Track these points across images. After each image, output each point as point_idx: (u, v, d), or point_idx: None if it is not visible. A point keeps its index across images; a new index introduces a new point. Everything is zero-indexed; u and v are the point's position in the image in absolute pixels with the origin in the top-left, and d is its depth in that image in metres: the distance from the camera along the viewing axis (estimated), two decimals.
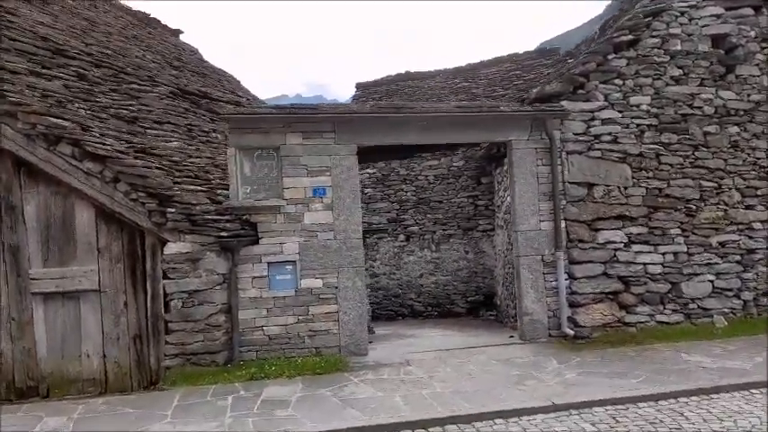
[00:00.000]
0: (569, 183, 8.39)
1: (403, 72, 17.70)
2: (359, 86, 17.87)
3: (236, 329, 7.26)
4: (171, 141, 8.82)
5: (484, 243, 13.49)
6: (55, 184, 7.02)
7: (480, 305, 13.42)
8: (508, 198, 9.90)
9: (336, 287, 7.63)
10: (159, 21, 15.51)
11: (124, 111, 8.59)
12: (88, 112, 7.79)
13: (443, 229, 13.84)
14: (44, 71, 8.00)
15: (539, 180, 8.30)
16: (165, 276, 6.98)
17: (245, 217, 7.50)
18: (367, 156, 14.88)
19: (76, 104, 7.74)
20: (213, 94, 11.93)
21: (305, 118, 7.50)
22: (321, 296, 7.58)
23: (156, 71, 10.95)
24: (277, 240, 7.51)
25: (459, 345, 8.36)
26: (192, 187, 7.57)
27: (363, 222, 11.04)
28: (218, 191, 7.89)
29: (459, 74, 16.69)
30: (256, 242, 7.47)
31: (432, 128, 7.94)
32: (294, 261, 7.53)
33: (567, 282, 8.27)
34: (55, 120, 6.71)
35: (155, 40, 13.53)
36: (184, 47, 15.15)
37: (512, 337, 8.68)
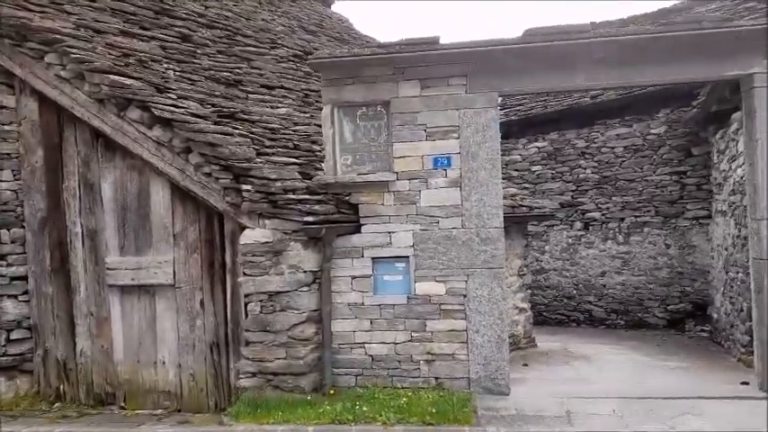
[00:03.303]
0: None
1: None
2: (528, 34, 15.01)
3: (329, 345, 5.50)
4: (278, 107, 7.37)
5: (694, 235, 10.07)
6: (130, 156, 5.93)
7: (687, 316, 10.10)
8: (738, 171, 6.68)
9: (465, 295, 5.43)
10: None
11: (226, 73, 7.32)
12: (177, 73, 6.61)
13: (635, 216, 10.71)
14: (141, 32, 7.02)
15: None
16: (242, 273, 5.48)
17: (345, 197, 5.68)
18: (534, 126, 12.27)
19: (165, 65, 6.61)
20: None
21: (423, 58, 5.37)
22: (443, 307, 5.46)
23: (281, 34, 9.69)
24: (384, 228, 5.55)
25: (655, 390, 5.59)
26: (284, 159, 5.96)
27: (528, 207, 8.61)
28: (322, 163, 6.18)
29: (671, 14, 12.93)
30: (357, 230, 5.61)
31: (613, 62, 5.25)
32: (407, 257, 5.51)
33: None
34: (118, 78, 5.54)
35: (297, 7, 12.43)
36: (332, 15, 13.93)
37: (745, 384, 5.61)
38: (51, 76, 5.94)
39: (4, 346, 6.23)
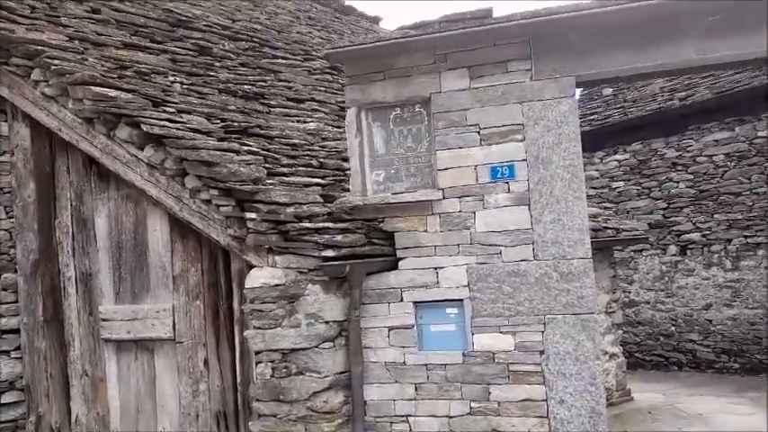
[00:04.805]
0: None
1: None
2: None
3: (361, 419, 4.18)
4: (306, 122, 6.30)
5: None
6: (125, 185, 4.97)
7: None
8: None
9: (542, 352, 4.00)
10: (355, 9, 13.74)
11: (247, 86, 6.35)
12: (185, 86, 5.67)
13: (745, 237, 8.92)
14: (150, 44, 6.19)
15: None
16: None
17: (378, 224, 4.44)
18: (612, 136, 10.65)
19: (171, 78, 5.69)
20: None
21: (471, 38, 4.10)
22: (512, 367, 4.04)
23: (317, 46, 8.73)
24: (429, 263, 4.23)
25: None
26: (305, 180, 4.82)
27: (615, 229, 7.06)
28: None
29: None
30: (394, 266, 4.32)
31: (736, 26, 3.80)
32: (460, 300, 4.16)
33: None
34: (102, 90, 4.60)
35: (339, 22, 11.56)
36: (379, 31, 12.99)
37: None
38: (38, 95, 5.11)
39: None
